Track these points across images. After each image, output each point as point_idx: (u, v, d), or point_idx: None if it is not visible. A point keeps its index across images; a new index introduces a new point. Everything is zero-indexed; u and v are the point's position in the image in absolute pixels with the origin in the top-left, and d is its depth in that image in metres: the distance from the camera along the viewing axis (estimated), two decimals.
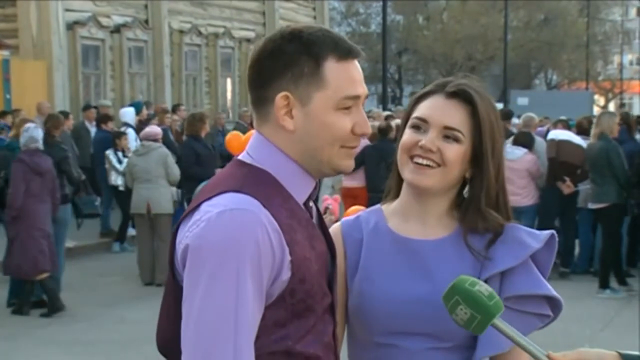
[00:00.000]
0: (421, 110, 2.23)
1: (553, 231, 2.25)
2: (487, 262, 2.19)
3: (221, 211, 1.86)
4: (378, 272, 2.20)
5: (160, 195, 10.83)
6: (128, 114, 14.91)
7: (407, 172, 2.22)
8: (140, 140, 11.53)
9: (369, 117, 15.05)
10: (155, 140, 11.07)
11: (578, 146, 10.62)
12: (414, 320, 2.14)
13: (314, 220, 2.05)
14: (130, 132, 13.72)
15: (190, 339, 1.85)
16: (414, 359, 2.17)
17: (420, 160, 2.19)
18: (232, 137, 11.34)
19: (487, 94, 2.25)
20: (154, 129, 11.49)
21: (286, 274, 1.89)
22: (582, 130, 11.48)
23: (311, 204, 2.05)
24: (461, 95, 2.20)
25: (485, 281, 2.18)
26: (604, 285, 10.05)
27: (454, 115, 2.20)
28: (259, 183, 1.93)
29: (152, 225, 10.96)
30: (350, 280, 2.23)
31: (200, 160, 11.23)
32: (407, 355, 2.17)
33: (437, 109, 2.21)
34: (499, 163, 2.23)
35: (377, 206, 2.33)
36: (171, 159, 10.97)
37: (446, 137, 2.19)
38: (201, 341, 1.84)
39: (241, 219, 1.85)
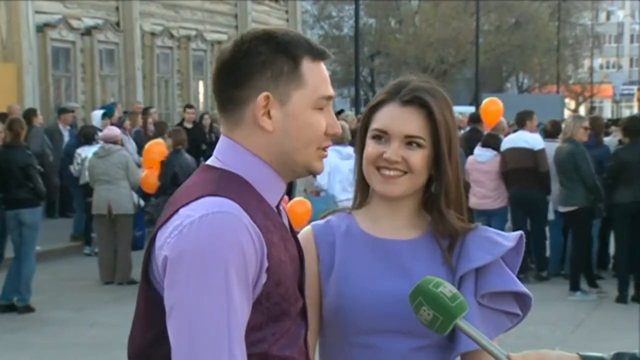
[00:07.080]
0: (379, 121, 2.24)
1: (521, 232, 2.29)
2: (461, 260, 2.22)
3: (203, 215, 1.83)
4: (355, 272, 2.21)
5: (120, 196, 10.85)
6: (96, 117, 14.94)
7: (375, 183, 2.24)
8: (99, 141, 11.51)
9: (340, 119, 15.03)
10: (115, 142, 11.04)
11: (522, 149, 10.61)
12: (393, 317, 2.14)
13: (285, 223, 2.04)
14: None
15: (183, 346, 1.80)
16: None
17: (387, 172, 2.22)
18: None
19: (440, 93, 2.26)
20: (113, 131, 11.37)
21: (264, 277, 1.88)
22: (547, 134, 11.53)
23: (281, 207, 2.04)
24: (416, 102, 2.22)
25: (461, 279, 2.20)
26: (575, 287, 10.12)
27: (412, 122, 2.21)
28: (233, 186, 1.91)
29: (112, 226, 11.03)
30: (325, 282, 2.23)
31: None
32: (384, 356, 2.18)
33: (394, 119, 2.22)
34: (456, 163, 2.26)
35: (347, 211, 2.33)
36: (132, 163, 10.97)
37: (409, 144, 2.21)
38: (195, 348, 1.79)
39: (224, 222, 1.83)
